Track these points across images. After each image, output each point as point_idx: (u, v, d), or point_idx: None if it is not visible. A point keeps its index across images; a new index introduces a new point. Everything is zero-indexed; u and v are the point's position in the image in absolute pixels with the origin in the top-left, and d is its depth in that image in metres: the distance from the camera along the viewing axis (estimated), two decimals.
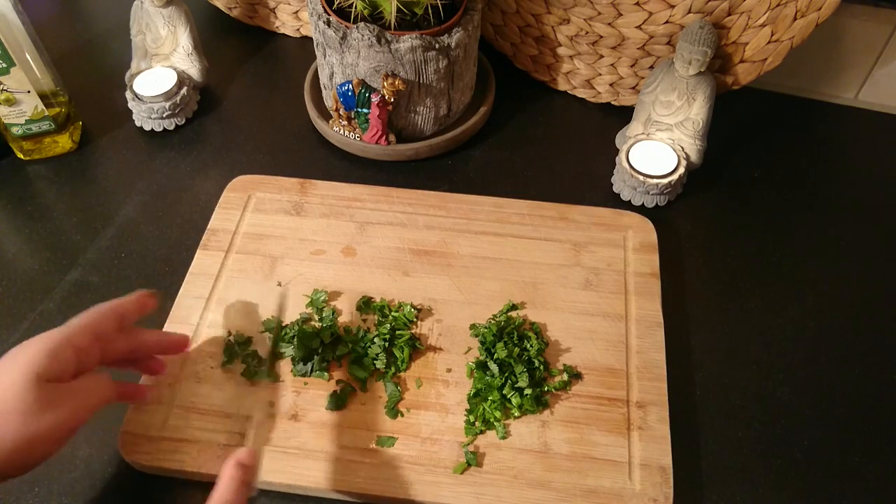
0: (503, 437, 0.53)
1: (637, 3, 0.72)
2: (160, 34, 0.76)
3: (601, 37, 0.75)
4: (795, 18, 0.67)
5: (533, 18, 0.78)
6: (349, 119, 0.71)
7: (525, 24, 0.79)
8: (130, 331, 0.50)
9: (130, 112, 0.76)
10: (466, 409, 0.54)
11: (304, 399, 0.55)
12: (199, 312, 0.59)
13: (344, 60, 0.67)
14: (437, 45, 0.65)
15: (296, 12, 0.87)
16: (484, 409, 0.54)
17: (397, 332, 0.58)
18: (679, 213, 0.70)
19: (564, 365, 0.57)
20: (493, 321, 0.59)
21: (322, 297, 0.60)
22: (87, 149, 0.75)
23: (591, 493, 0.50)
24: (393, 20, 0.64)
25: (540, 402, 0.54)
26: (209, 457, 0.51)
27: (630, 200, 0.70)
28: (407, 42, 0.64)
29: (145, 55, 0.77)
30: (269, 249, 0.64)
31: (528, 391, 0.54)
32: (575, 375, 0.56)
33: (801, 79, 0.80)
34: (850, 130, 0.80)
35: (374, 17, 0.66)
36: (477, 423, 0.53)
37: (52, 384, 0.42)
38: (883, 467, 0.54)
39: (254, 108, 0.80)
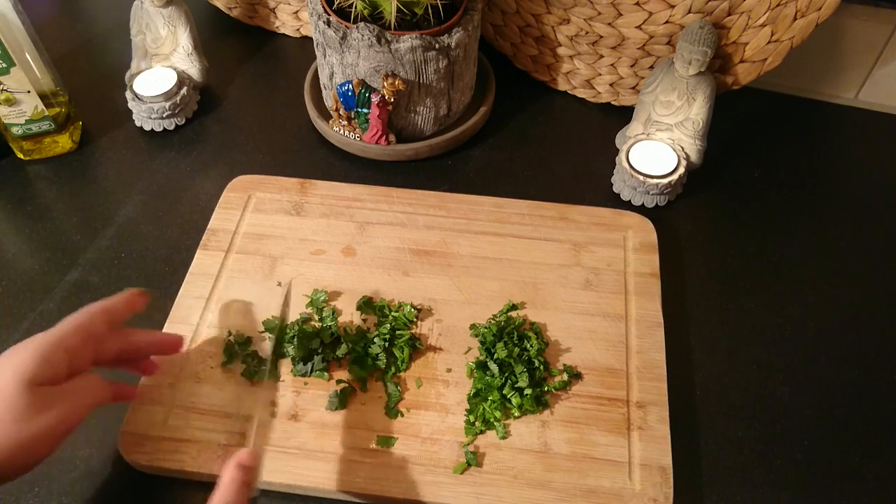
0: (503, 437, 0.53)
1: (637, 3, 0.72)
2: (160, 34, 0.76)
3: (601, 37, 0.75)
4: (795, 18, 0.67)
5: (533, 18, 0.78)
6: (349, 119, 0.71)
7: (525, 24, 0.79)
8: (122, 331, 0.49)
9: (130, 112, 0.76)
10: (466, 409, 0.54)
11: (304, 399, 0.55)
12: (199, 312, 0.59)
13: (344, 60, 0.67)
14: (437, 45, 0.65)
15: (296, 12, 0.87)
16: (484, 409, 0.54)
17: (397, 332, 0.58)
18: (679, 213, 0.70)
19: (564, 365, 0.57)
20: (493, 321, 0.59)
21: (322, 297, 0.60)
22: (87, 149, 0.75)
23: (591, 493, 0.50)
24: (393, 20, 0.64)
25: (540, 402, 0.54)
26: (209, 457, 0.51)
27: (630, 200, 0.70)
28: (407, 42, 0.64)
29: (145, 55, 0.77)
30: (269, 249, 0.64)
31: (528, 391, 0.54)
32: (575, 375, 0.56)
33: (801, 79, 0.80)
34: (850, 130, 0.80)
35: (374, 17, 0.66)
36: (477, 423, 0.53)
37: (44, 388, 0.42)
38: (883, 467, 0.54)
39: (254, 108, 0.80)
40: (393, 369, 0.56)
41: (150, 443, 0.52)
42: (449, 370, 0.57)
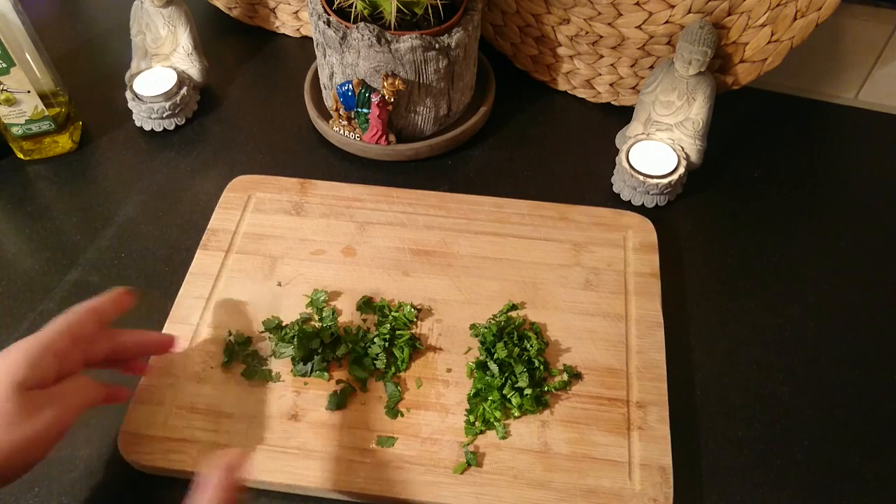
0: (503, 437, 0.53)
1: (637, 3, 0.72)
2: (160, 34, 0.76)
3: (601, 37, 0.75)
4: (795, 18, 0.67)
5: (533, 18, 0.78)
6: (349, 119, 0.71)
7: (525, 24, 0.79)
8: (111, 331, 0.49)
9: (130, 112, 0.76)
10: (466, 409, 0.54)
11: (304, 399, 0.55)
12: (199, 312, 0.59)
13: (344, 60, 0.67)
14: (437, 45, 0.65)
15: (296, 12, 0.87)
16: (484, 409, 0.54)
17: (397, 332, 0.58)
18: (679, 213, 0.70)
19: (564, 365, 0.57)
20: (493, 321, 0.59)
21: (322, 297, 0.60)
22: (87, 149, 0.75)
23: (591, 493, 0.50)
24: (393, 20, 0.64)
25: (540, 402, 0.54)
26: (209, 457, 0.51)
27: (630, 200, 0.70)
28: (407, 42, 0.64)
29: (145, 55, 0.77)
30: (269, 249, 0.64)
31: (528, 391, 0.54)
32: (575, 375, 0.56)
33: (801, 79, 0.80)
34: (850, 130, 0.80)
35: (374, 17, 0.66)
36: (477, 423, 0.53)
37: (34, 391, 0.42)
38: (883, 467, 0.54)
39: (254, 108, 0.80)
40: (393, 369, 0.56)
41: (150, 443, 0.52)
42: (449, 370, 0.57)
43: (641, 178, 0.67)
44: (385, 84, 0.66)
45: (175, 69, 0.76)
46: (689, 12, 0.70)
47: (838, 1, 0.65)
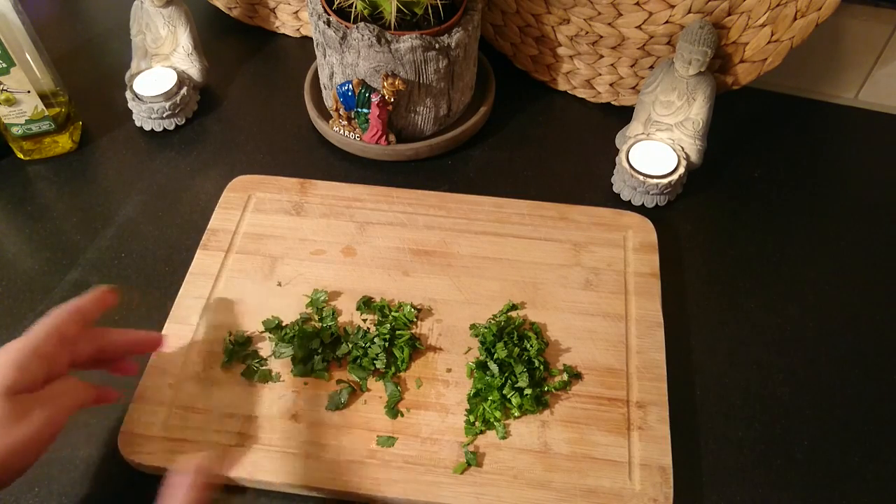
0: (503, 437, 0.53)
1: (637, 3, 0.72)
2: (160, 34, 0.76)
3: (601, 37, 0.75)
4: (795, 18, 0.67)
5: (533, 18, 0.78)
6: (349, 119, 0.71)
7: (525, 24, 0.79)
8: (96, 330, 0.49)
9: (130, 112, 0.76)
10: (466, 409, 0.54)
11: (304, 399, 0.55)
12: (198, 312, 0.59)
13: (344, 60, 0.67)
14: (437, 45, 0.65)
15: (296, 12, 0.87)
16: (484, 409, 0.54)
17: (397, 332, 0.58)
18: (679, 213, 0.70)
19: (564, 365, 0.57)
20: (493, 321, 0.59)
21: (322, 297, 0.60)
22: (87, 149, 0.75)
23: (591, 493, 0.50)
24: (393, 20, 0.64)
25: (540, 402, 0.54)
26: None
27: (630, 200, 0.70)
28: (407, 42, 0.64)
29: (145, 55, 0.77)
30: (269, 249, 0.64)
31: (528, 391, 0.54)
32: (575, 375, 0.56)
33: (801, 79, 0.80)
34: (850, 130, 0.80)
35: (374, 17, 0.66)
36: (477, 423, 0.53)
37: (23, 395, 0.42)
38: (883, 467, 0.54)
39: (254, 108, 0.80)
40: (393, 369, 0.56)
41: (150, 443, 0.52)
42: (449, 370, 0.57)
43: (641, 178, 0.67)
44: (385, 84, 0.66)
45: (175, 69, 0.76)
46: (689, 12, 0.70)
47: (838, 1, 0.65)
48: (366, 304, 0.60)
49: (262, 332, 0.58)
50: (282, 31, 0.89)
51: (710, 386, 0.58)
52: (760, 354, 0.60)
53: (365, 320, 0.59)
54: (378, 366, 0.56)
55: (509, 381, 0.54)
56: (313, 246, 0.64)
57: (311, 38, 0.74)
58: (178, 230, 0.67)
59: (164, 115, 0.74)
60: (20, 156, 0.73)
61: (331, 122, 0.74)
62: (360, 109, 0.69)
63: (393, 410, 0.54)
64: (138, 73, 0.76)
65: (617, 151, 0.72)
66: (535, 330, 0.59)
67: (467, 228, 0.66)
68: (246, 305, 0.60)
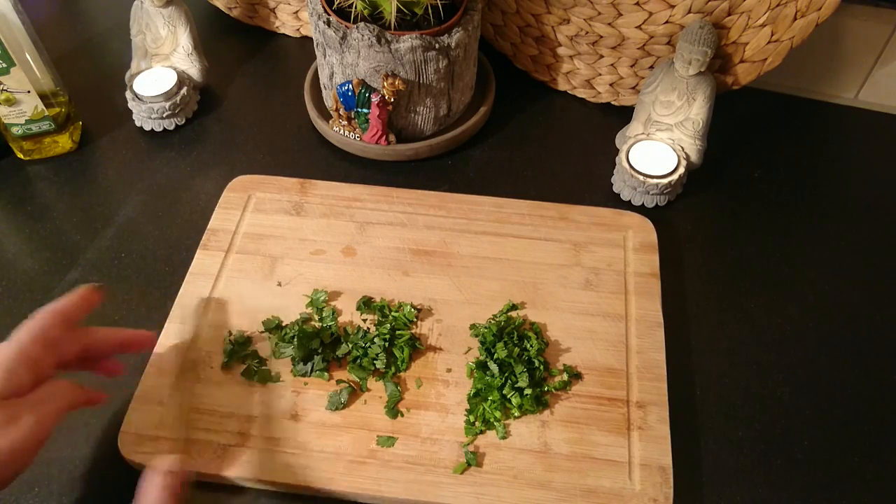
0: (503, 437, 0.53)
1: (637, 3, 0.72)
2: (160, 34, 0.76)
3: (601, 37, 0.75)
4: (795, 18, 0.67)
5: (533, 18, 0.78)
6: (349, 119, 0.71)
7: (525, 24, 0.79)
8: (81, 330, 0.48)
9: (130, 112, 0.76)
10: (466, 409, 0.54)
11: (304, 399, 0.55)
12: (199, 312, 0.59)
13: (344, 60, 0.67)
14: (437, 45, 0.65)
15: (296, 12, 0.87)
16: (484, 409, 0.54)
17: (397, 332, 0.58)
18: (679, 213, 0.70)
19: (564, 365, 0.57)
20: (493, 321, 0.59)
21: (322, 297, 0.60)
22: (87, 149, 0.75)
23: (591, 493, 0.50)
24: (393, 20, 0.64)
25: (540, 402, 0.54)
26: (209, 457, 0.51)
27: (630, 200, 0.70)
28: (407, 42, 0.64)
29: (145, 55, 0.77)
30: (269, 249, 0.64)
31: (528, 391, 0.54)
32: (575, 375, 0.56)
33: (801, 79, 0.80)
34: (850, 130, 0.80)
35: (374, 17, 0.66)
36: (477, 423, 0.53)
37: (11, 400, 0.42)
38: (883, 467, 0.54)
39: (254, 108, 0.80)
40: (393, 369, 0.56)
41: (150, 443, 0.52)
42: (449, 370, 0.57)
43: (641, 178, 0.67)
44: (385, 84, 0.66)
45: (175, 69, 0.76)
46: (689, 12, 0.70)
47: (838, 1, 0.65)
48: (366, 304, 0.60)
49: (262, 332, 0.58)
50: (282, 31, 0.89)
51: (710, 386, 0.58)
52: (760, 354, 0.60)
53: (365, 320, 0.59)
54: (378, 366, 0.56)
55: (509, 381, 0.54)
56: (313, 246, 0.64)
57: (311, 38, 0.74)
58: (178, 230, 0.67)
59: (164, 115, 0.74)
60: (20, 156, 0.73)
61: (331, 122, 0.74)
62: (360, 109, 0.69)
63: (393, 410, 0.54)
64: (138, 73, 0.76)
65: (617, 151, 0.72)
66: (535, 330, 0.59)
67: (467, 228, 0.66)
68: (246, 305, 0.60)
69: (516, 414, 0.54)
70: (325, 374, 0.56)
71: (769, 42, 0.70)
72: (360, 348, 0.57)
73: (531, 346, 0.57)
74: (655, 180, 0.67)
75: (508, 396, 0.54)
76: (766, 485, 0.53)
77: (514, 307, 0.60)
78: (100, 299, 0.50)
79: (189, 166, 0.73)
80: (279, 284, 0.62)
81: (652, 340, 0.58)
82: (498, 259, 0.64)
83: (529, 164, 0.74)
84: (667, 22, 0.72)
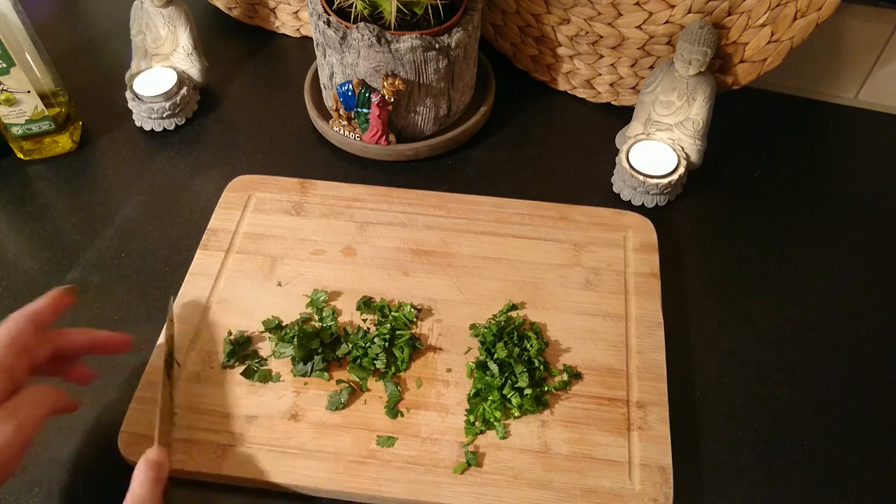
0: (503, 437, 0.53)
1: (637, 3, 0.72)
2: (160, 34, 0.76)
3: (601, 37, 0.75)
4: (795, 18, 0.67)
5: (533, 18, 0.78)
6: (349, 119, 0.71)
7: (525, 24, 0.79)
8: (53, 332, 0.47)
9: (130, 112, 0.76)
10: (466, 409, 0.54)
11: (304, 399, 0.55)
12: (199, 312, 0.59)
13: (344, 60, 0.67)
14: (437, 45, 0.65)
15: (296, 12, 0.87)
16: (484, 409, 0.54)
17: (397, 332, 0.58)
18: (679, 213, 0.70)
19: (564, 365, 0.57)
20: (493, 321, 0.59)
21: (322, 297, 0.60)
22: (87, 149, 0.75)
23: (591, 493, 0.50)
24: (393, 20, 0.64)
25: (540, 402, 0.54)
26: (209, 457, 0.51)
27: (630, 200, 0.70)
28: (407, 42, 0.64)
29: (145, 55, 0.77)
30: (269, 249, 0.64)
31: (528, 391, 0.54)
32: (575, 375, 0.56)
33: (801, 79, 0.80)
34: (850, 130, 0.80)
35: (374, 17, 0.66)
36: (477, 423, 0.53)
37: None
38: (883, 467, 0.54)
39: (254, 108, 0.80)
40: (393, 369, 0.56)
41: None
42: (449, 370, 0.57)
43: (641, 178, 0.67)
44: (385, 84, 0.66)
45: (175, 69, 0.76)
46: (689, 12, 0.70)
47: (838, 1, 0.65)
48: (366, 304, 0.60)
49: (262, 332, 0.58)
50: (282, 31, 0.89)
51: (710, 386, 0.58)
52: (760, 354, 0.60)
53: (365, 320, 0.59)
54: (378, 366, 0.56)
55: (509, 381, 0.54)
56: (313, 246, 0.64)
57: (311, 38, 0.74)
58: (178, 230, 0.67)
59: (164, 115, 0.74)
60: (20, 156, 0.73)
61: (331, 122, 0.74)
62: (360, 109, 0.69)
63: (393, 410, 0.54)
64: (138, 73, 0.76)
65: (617, 151, 0.72)
66: (535, 330, 0.59)
67: (467, 228, 0.66)
68: (246, 305, 0.60)
69: (516, 414, 0.54)
70: (325, 374, 0.56)
71: (769, 42, 0.70)
72: (360, 348, 0.57)
73: (531, 346, 0.57)
74: (655, 180, 0.67)
75: (508, 396, 0.54)
76: (766, 485, 0.53)
77: (514, 307, 0.60)
78: (72, 302, 0.49)
79: (189, 166, 0.73)
80: (279, 284, 0.62)
81: (652, 340, 0.58)
82: (498, 259, 0.64)
83: (529, 164, 0.74)
84: (667, 22, 0.72)
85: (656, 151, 0.70)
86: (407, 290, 0.61)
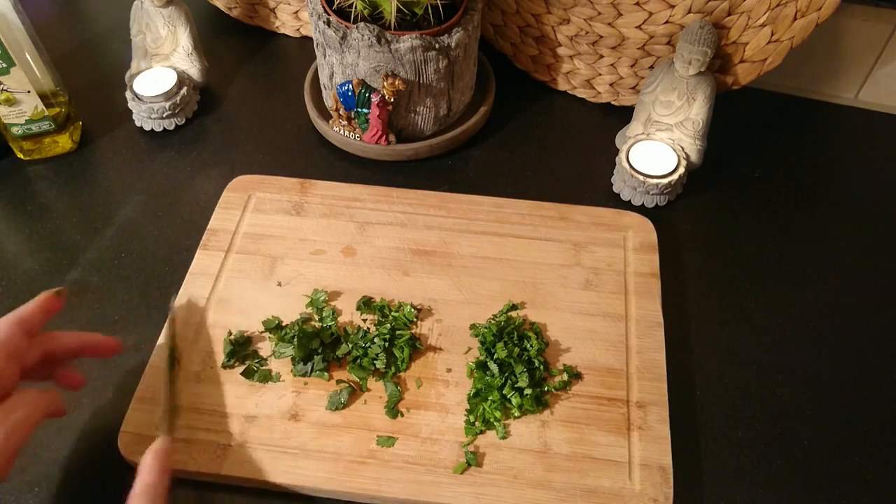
0: (503, 437, 0.53)
1: (637, 3, 0.72)
2: (160, 34, 0.76)
3: (601, 37, 0.75)
4: (795, 18, 0.67)
5: (533, 18, 0.78)
6: (349, 119, 0.71)
7: (525, 24, 0.79)
8: (43, 335, 0.47)
9: (130, 112, 0.76)
10: (466, 409, 0.54)
11: (304, 399, 0.55)
12: (199, 312, 0.59)
13: (344, 60, 0.67)
14: (437, 45, 0.65)
15: (296, 12, 0.87)
16: (484, 409, 0.54)
17: (397, 332, 0.58)
18: (679, 213, 0.70)
19: (564, 365, 0.57)
20: (493, 321, 0.59)
21: (322, 297, 0.60)
22: (87, 149, 0.75)
23: (591, 493, 0.50)
24: (393, 20, 0.64)
25: (540, 402, 0.54)
26: (209, 457, 0.51)
27: (630, 200, 0.70)
28: (407, 42, 0.64)
29: (145, 55, 0.77)
30: (269, 249, 0.64)
31: (528, 391, 0.54)
32: (575, 375, 0.56)
33: (801, 79, 0.80)
34: (850, 130, 0.80)
35: (374, 17, 0.66)
36: (477, 423, 0.53)
37: None
38: (883, 467, 0.54)
39: (254, 108, 0.80)
40: (393, 369, 0.56)
41: (150, 443, 0.51)
42: (449, 370, 0.57)
43: (641, 178, 0.67)
44: (385, 84, 0.66)
45: (175, 69, 0.76)
46: (689, 12, 0.70)
47: (838, 1, 0.65)
48: (366, 304, 0.60)
49: (262, 332, 0.58)
50: (282, 31, 0.89)
51: (710, 386, 0.58)
52: (760, 354, 0.60)
53: (365, 320, 0.59)
54: (378, 366, 0.56)
55: (509, 381, 0.54)
56: (313, 246, 0.64)
57: (311, 38, 0.74)
58: (178, 230, 0.67)
59: (164, 115, 0.74)
60: (20, 156, 0.73)
61: (331, 122, 0.74)
62: (360, 109, 0.69)
63: (393, 410, 0.54)
64: (138, 73, 0.76)
65: (617, 151, 0.72)
66: (535, 330, 0.59)
67: (467, 228, 0.66)
68: (246, 305, 0.60)
69: (516, 414, 0.54)
70: (325, 374, 0.56)
71: (769, 42, 0.70)
72: (360, 348, 0.57)
73: (531, 346, 0.57)
74: (655, 180, 0.67)
75: (508, 396, 0.54)
76: (766, 485, 0.53)
77: (514, 307, 0.60)
78: (61, 305, 0.49)
79: (189, 166, 0.73)
80: (279, 284, 0.62)
81: (652, 340, 0.58)
82: (498, 259, 0.64)
83: (529, 164, 0.74)
84: (667, 22, 0.72)
85: (656, 151, 0.70)
86: (407, 290, 0.61)
